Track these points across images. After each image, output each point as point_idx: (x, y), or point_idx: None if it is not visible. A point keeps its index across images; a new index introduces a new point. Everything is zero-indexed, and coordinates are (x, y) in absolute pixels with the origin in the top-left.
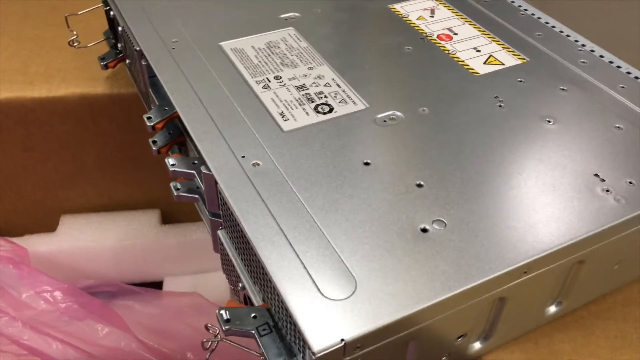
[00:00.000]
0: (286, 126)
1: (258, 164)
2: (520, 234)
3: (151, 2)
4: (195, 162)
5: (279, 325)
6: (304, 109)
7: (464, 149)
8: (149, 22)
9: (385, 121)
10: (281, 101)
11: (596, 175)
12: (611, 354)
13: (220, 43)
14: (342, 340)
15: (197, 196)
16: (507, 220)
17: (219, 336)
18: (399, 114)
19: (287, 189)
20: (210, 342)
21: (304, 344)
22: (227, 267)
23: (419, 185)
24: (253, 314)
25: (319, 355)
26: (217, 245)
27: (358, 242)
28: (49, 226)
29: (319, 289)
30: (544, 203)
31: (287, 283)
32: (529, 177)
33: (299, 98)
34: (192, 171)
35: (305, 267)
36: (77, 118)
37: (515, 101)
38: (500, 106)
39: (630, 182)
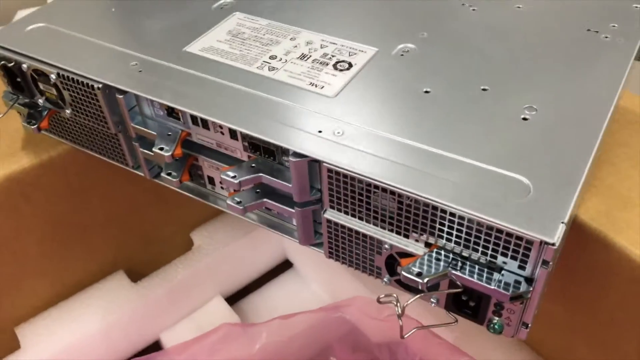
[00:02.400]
0: (329, 92)
1: (340, 132)
2: None
3: (65, 40)
4: (253, 165)
5: (464, 254)
6: (327, 73)
7: (491, 54)
8: (84, 57)
9: (402, 55)
10: (299, 74)
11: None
12: None
13: (185, 49)
14: (562, 222)
15: (264, 199)
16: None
17: (399, 304)
18: (410, 45)
19: (386, 137)
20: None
21: (520, 248)
22: (347, 243)
23: (485, 90)
24: (435, 257)
25: (557, 242)
26: (309, 235)
27: (491, 149)
28: (9, 345)
29: (505, 198)
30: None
31: (475, 203)
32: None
33: (312, 66)
34: (259, 174)
35: (478, 187)
36: (6, 205)
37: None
38: (473, 10)
39: None
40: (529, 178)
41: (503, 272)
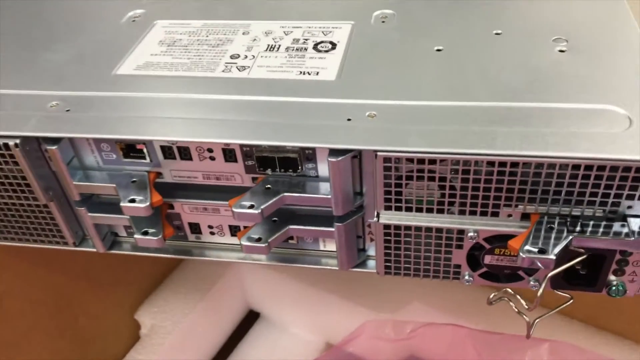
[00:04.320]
0: (328, 76)
1: (373, 114)
2: None
3: None
4: (269, 186)
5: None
6: (312, 58)
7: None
8: None
9: (383, 22)
10: (280, 66)
11: None
12: None
13: (115, 72)
14: None
15: (289, 226)
16: None
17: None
18: (387, 11)
19: (428, 105)
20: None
21: None
22: (414, 247)
23: (498, 34)
24: (546, 227)
25: None
26: (353, 255)
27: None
28: None
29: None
30: None
31: (586, 145)
32: None
33: (290, 55)
34: (282, 194)
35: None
36: None
37: None
38: None
39: None
40: (620, 106)
41: (629, 219)
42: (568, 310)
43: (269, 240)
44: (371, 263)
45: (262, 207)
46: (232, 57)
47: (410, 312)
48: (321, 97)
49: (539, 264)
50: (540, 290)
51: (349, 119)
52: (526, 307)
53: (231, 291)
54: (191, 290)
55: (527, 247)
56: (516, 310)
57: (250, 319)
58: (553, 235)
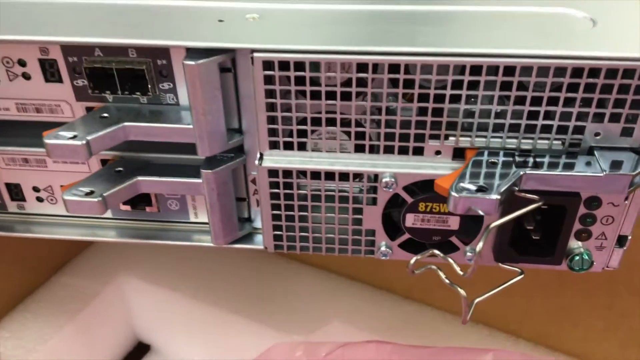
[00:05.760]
0: None
1: (255, 17)
2: None
3: None
4: (105, 114)
5: None
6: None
7: None
8: None
9: None
10: None
11: None
12: None
13: None
14: None
15: (137, 178)
16: None
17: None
18: None
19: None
20: None
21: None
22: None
23: None
24: (487, 162)
25: None
26: (231, 223)
27: None
28: None
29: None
30: None
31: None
32: None
33: None
34: (122, 124)
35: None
36: None
37: None
38: None
39: None
40: (579, 9)
41: (597, 152)
42: (514, 328)
43: (105, 195)
44: (259, 238)
45: (88, 137)
46: None
47: (329, 334)
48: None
49: (478, 209)
50: (480, 245)
51: (220, 20)
52: (460, 273)
53: (110, 314)
54: (57, 312)
55: (461, 185)
56: (447, 281)
57: (140, 352)
58: (498, 172)
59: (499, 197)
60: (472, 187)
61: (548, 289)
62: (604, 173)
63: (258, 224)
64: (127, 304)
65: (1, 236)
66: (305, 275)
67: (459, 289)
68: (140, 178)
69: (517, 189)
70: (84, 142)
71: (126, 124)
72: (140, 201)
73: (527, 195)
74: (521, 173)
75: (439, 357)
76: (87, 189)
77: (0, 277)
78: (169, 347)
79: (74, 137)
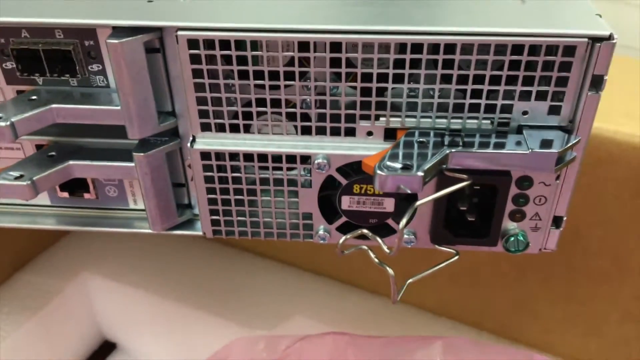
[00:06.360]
0: None
1: None
2: None
3: None
4: (34, 97)
5: None
6: None
7: None
8: None
9: None
10: None
11: None
12: None
13: None
14: (598, 15)
15: (69, 162)
16: None
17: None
18: None
19: None
20: None
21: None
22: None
23: None
24: (416, 142)
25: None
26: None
27: None
28: None
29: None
30: None
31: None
32: None
33: None
34: (49, 105)
35: None
36: None
37: None
38: None
39: None
40: None
41: (525, 131)
42: (476, 320)
43: (34, 178)
44: (199, 225)
45: (13, 119)
46: None
47: (293, 328)
48: None
49: (404, 187)
50: (403, 222)
51: (149, 1)
52: (387, 251)
53: (74, 312)
54: (16, 309)
55: (386, 163)
56: (377, 260)
57: (106, 350)
58: (429, 152)
59: (422, 174)
60: (397, 166)
61: (508, 279)
62: (530, 150)
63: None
64: (92, 302)
65: None
66: (269, 271)
67: (387, 268)
68: (72, 162)
69: (445, 168)
70: (8, 123)
71: (54, 105)
72: (78, 188)
73: (456, 175)
74: (447, 152)
75: (391, 346)
76: (16, 173)
77: None
78: (135, 344)
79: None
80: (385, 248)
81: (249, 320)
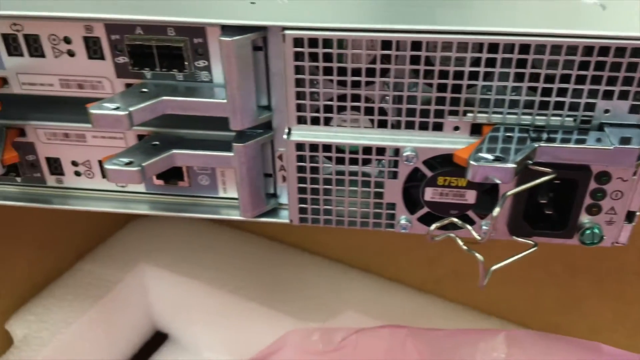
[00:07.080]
0: None
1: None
2: None
3: None
4: (144, 89)
5: None
6: None
7: None
8: None
9: None
10: None
11: None
12: None
13: None
14: None
15: (173, 151)
16: None
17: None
18: None
19: None
20: None
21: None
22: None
23: None
24: (503, 136)
25: None
26: (258, 196)
27: None
28: None
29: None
30: None
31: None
32: None
33: None
34: (160, 97)
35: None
36: None
37: None
38: None
39: None
40: None
41: (607, 129)
42: (524, 319)
43: (144, 165)
44: (284, 213)
45: (130, 108)
46: None
47: (344, 322)
48: None
49: (495, 178)
50: (497, 210)
51: (252, 2)
52: (478, 238)
53: (131, 302)
54: (80, 297)
55: (480, 154)
56: (465, 247)
57: (157, 341)
58: (513, 146)
59: (515, 165)
60: (490, 157)
61: (558, 279)
62: (614, 146)
63: (283, 200)
64: (147, 292)
65: (39, 209)
66: (319, 266)
67: (477, 254)
68: (175, 151)
69: (531, 162)
70: (127, 112)
71: (164, 97)
72: (172, 176)
73: (540, 168)
74: (535, 146)
75: (452, 337)
76: (127, 159)
77: (27, 262)
78: (186, 335)
79: (117, 108)
80: (476, 235)
81: (301, 313)
